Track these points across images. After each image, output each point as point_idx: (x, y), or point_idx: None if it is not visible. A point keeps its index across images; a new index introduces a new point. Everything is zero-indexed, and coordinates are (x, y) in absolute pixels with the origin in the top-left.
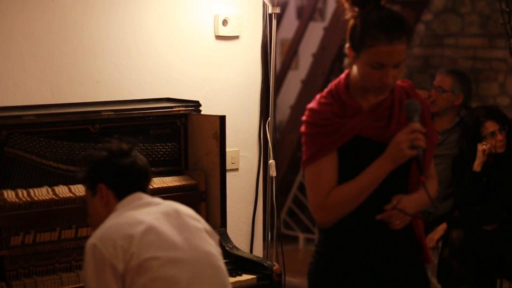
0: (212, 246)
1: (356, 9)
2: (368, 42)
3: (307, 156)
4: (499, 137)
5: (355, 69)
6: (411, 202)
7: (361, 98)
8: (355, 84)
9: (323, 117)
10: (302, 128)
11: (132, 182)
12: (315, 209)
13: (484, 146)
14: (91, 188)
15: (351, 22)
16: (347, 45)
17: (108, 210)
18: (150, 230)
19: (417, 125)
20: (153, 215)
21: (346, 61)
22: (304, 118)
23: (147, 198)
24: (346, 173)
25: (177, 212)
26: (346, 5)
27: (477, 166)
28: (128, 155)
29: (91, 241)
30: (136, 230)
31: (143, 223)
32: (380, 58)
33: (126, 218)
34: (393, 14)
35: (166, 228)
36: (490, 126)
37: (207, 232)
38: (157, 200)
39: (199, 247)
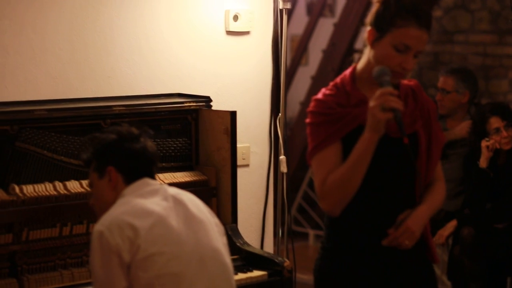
0: (219, 241)
1: None
2: (399, 23)
3: (313, 146)
4: (504, 133)
5: (363, 61)
6: (418, 219)
7: (367, 90)
8: (362, 75)
9: (327, 106)
10: (307, 119)
11: (142, 167)
12: (319, 198)
13: (487, 142)
14: (98, 170)
15: (377, 6)
16: (368, 28)
17: (116, 194)
18: (158, 222)
19: (387, 89)
20: (160, 205)
21: (356, 56)
22: (309, 108)
23: (155, 184)
24: None
25: (185, 203)
26: None
27: (482, 162)
28: (138, 140)
29: (98, 228)
30: (144, 221)
31: (152, 214)
32: (407, 40)
33: (135, 207)
34: (423, 3)
35: (174, 221)
36: (495, 122)
37: (214, 224)
38: (165, 187)
39: (206, 242)
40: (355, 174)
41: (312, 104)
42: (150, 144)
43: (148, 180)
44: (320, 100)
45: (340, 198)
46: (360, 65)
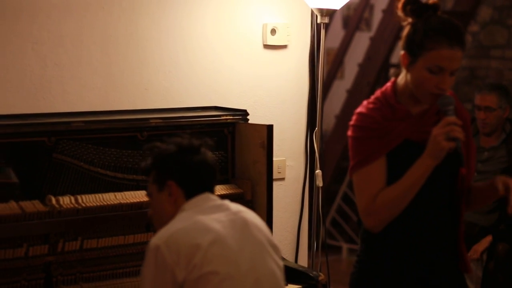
0: (275, 264)
1: (413, 18)
2: (429, 45)
3: (357, 161)
4: None
5: (402, 78)
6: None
7: (409, 106)
8: (403, 92)
9: (374, 120)
10: (350, 133)
11: (203, 181)
12: (364, 214)
13: None
14: (158, 182)
15: (407, 29)
16: (402, 52)
17: (176, 209)
18: (216, 241)
19: (452, 118)
20: (221, 223)
21: (392, 70)
22: (352, 122)
23: (216, 200)
24: (395, 178)
25: (245, 222)
26: (401, 14)
27: None
28: (199, 152)
29: (155, 241)
30: (203, 240)
31: (211, 232)
32: (440, 62)
33: (195, 224)
34: (452, 21)
35: (232, 241)
36: None
37: (271, 245)
38: (226, 202)
39: (262, 264)
40: (408, 196)
41: (355, 117)
42: (210, 156)
43: (209, 195)
44: (364, 114)
45: (389, 217)
46: (400, 81)
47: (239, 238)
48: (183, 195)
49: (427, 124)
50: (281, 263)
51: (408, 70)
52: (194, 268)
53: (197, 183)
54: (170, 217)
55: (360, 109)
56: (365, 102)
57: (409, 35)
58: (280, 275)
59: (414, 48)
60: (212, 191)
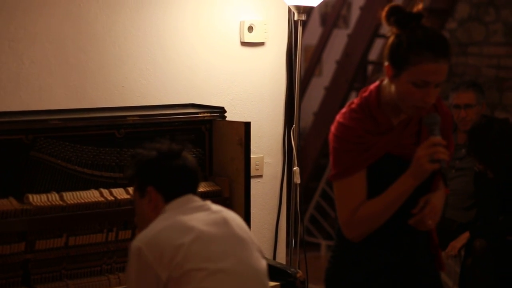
0: (258, 261)
1: (397, 29)
2: (413, 60)
3: (337, 171)
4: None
5: (387, 85)
6: (439, 201)
7: (392, 115)
8: (388, 101)
9: (355, 134)
10: (332, 142)
11: (182, 185)
12: (344, 226)
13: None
14: (140, 189)
15: (391, 39)
16: (386, 63)
17: (156, 213)
18: (198, 239)
19: (437, 139)
20: (202, 222)
21: (370, 68)
22: (334, 131)
23: (198, 201)
24: (375, 190)
25: (226, 221)
26: (386, 25)
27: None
28: (179, 157)
29: (136, 243)
30: (184, 239)
31: (192, 230)
32: (424, 76)
33: (175, 224)
34: (437, 33)
35: (214, 238)
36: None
37: (253, 244)
38: (208, 203)
39: (246, 261)
40: (388, 212)
41: (338, 128)
42: (191, 159)
43: (191, 197)
44: (347, 126)
45: (369, 230)
46: (385, 87)
47: (221, 236)
48: (162, 200)
49: (408, 136)
50: (264, 262)
51: (392, 82)
52: (177, 266)
53: (176, 187)
54: (152, 221)
55: (342, 117)
56: (347, 109)
57: (393, 47)
58: (263, 271)
59: (398, 61)
60: (194, 193)
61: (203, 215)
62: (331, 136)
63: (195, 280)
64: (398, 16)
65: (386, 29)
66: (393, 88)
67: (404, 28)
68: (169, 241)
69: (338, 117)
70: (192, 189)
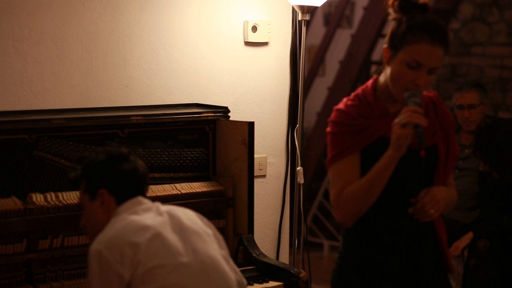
0: (215, 250)
1: (400, 14)
2: (410, 40)
3: (332, 155)
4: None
5: (383, 75)
6: (442, 192)
7: (388, 104)
8: (383, 90)
9: (349, 116)
10: (328, 128)
11: (134, 187)
12: (333, 208)
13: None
14: (90, 191)
15: (394, 24)
16: (384, 45)
17: (109, 216)
18: (155, 236)
19: (411, 107)
20: (156, 220)
21: (374, 68)
22: (330, 118)
23: (148, 203)
24: None
25: (178, 217)
26: (391, 10)
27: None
28: (128, 160)
29: (95, 247)
30: (142, 237)
31: (148, 229)
32: (419, 57)
33: (131, 224)
34: (437, 21)
35: (170, 235)
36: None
37: (208, 235)
38: (158, 204)
39: (203, 252)
40: (372, 189)
41: (333, 114)
42: (140, 163)
43: (140, 199)
44: (342, 111)
45: (354, 211)
46: (381, 78)
47: (176, 231)
48: (114, 202)
49: None
50: (226, 253)
51: (388, 64)
52: (139, 264)
53: (128, 189)
54: (104, 225)
55: (339, 105)
56: (344, 99)
57: (393, 30)
58: (222, 260)
59: (396, 42)
60: (144, 195)
61: (156, 215)
62: (328, 126)
63: (159, 277)
64: (402, 2)
65: (390, 16)
66: (388, 72)
67: (407, 14)
68: (128, 240)
69: (335, 107)
70: (142, 192)
